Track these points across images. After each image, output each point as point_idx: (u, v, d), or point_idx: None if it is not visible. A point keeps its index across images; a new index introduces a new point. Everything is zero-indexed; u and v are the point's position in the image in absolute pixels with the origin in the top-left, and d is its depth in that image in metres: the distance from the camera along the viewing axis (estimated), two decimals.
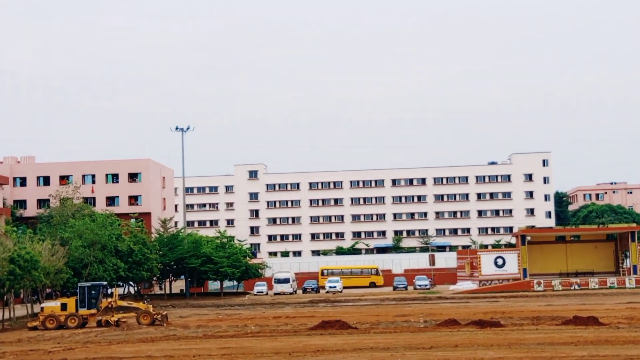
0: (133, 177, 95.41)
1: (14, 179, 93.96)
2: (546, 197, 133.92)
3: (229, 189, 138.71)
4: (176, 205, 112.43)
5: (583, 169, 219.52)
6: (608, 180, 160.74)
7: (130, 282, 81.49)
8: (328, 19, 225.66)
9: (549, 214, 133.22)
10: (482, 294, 74.23)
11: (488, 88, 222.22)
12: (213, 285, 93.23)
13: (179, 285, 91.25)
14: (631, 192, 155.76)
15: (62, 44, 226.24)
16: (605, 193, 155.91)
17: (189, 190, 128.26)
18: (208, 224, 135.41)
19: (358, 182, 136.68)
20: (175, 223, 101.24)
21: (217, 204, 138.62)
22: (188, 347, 33.87)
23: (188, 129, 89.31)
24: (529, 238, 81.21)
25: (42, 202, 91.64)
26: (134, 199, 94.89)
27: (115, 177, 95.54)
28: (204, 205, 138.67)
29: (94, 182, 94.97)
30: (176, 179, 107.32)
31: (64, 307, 48.36)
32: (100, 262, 67.51)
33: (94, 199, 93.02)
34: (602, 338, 32.65)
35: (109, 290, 57.33)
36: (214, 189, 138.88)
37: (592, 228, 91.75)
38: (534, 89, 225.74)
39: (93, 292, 49.01)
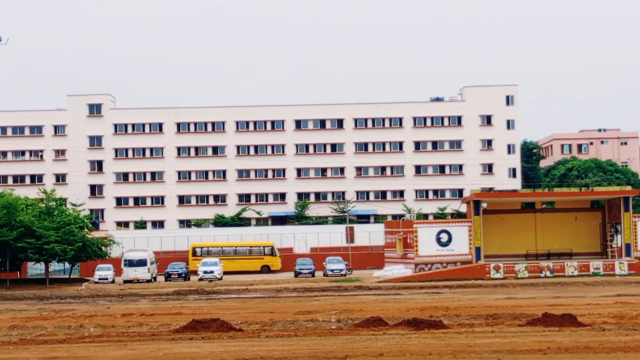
0: None
1: None
2: (510, 149, 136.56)
3: (59, 129, 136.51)
4: None
5: (561, 111, 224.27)
6: (595, 126, 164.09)
7: None
8: None
9: (513, 172, 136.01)
10: (419, 282, 75.55)
11: None
12: (35, 269, 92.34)
13: None
14: (625, 143, 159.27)
15: None
16: (591, 144, 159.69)
17: (0, 131, 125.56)
18: (28, 180, 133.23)
19: (247, 123, 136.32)
20: None
21: (41, 151, 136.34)
22: None
23: None
24: (485, 205, 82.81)
25: None
26: None
27: None
28: (22, 153, 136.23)
29: None
30: None
31: None
32: None
33: None
34: (581, 344, 33.65)
35: None
36: (37, 130, 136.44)
37: (572, 192, 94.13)
38: None
39: None
